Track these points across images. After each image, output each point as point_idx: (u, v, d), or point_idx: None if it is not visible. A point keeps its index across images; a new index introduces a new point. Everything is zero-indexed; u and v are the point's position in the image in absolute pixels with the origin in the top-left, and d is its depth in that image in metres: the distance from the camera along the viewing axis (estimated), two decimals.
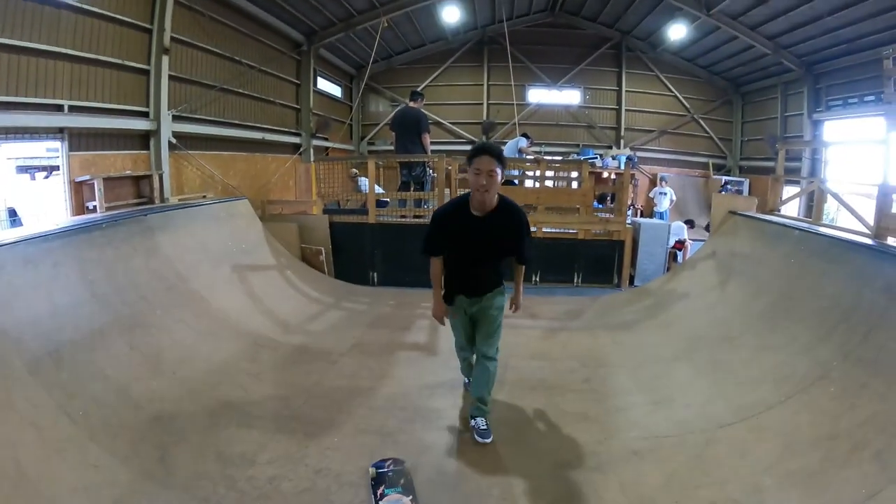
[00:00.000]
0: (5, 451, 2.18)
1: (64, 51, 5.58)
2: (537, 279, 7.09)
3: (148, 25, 6.84)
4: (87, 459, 2.42)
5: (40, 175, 9.81)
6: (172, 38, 7.18)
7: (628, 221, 7.36)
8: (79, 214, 5.62)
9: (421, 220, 7.10)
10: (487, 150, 2.57)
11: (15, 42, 5.04)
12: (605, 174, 13.57)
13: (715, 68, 14.32)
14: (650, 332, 4.93)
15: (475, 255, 2.77)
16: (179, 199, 7.02)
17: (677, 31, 12.17)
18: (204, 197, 7.63)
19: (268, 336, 4.57)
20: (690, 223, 9.63)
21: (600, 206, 9.08)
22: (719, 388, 3.43)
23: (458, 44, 14.86)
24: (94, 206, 5.67)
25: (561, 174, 9.19)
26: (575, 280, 7.09)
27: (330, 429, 3.04)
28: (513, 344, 4.21)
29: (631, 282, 7.07)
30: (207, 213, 6.12)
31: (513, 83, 12.35)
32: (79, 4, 5.69)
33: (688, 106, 14.88)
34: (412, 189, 7.64)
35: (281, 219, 7.39)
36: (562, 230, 7.42)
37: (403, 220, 7.31)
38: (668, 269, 7.21)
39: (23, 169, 10.44)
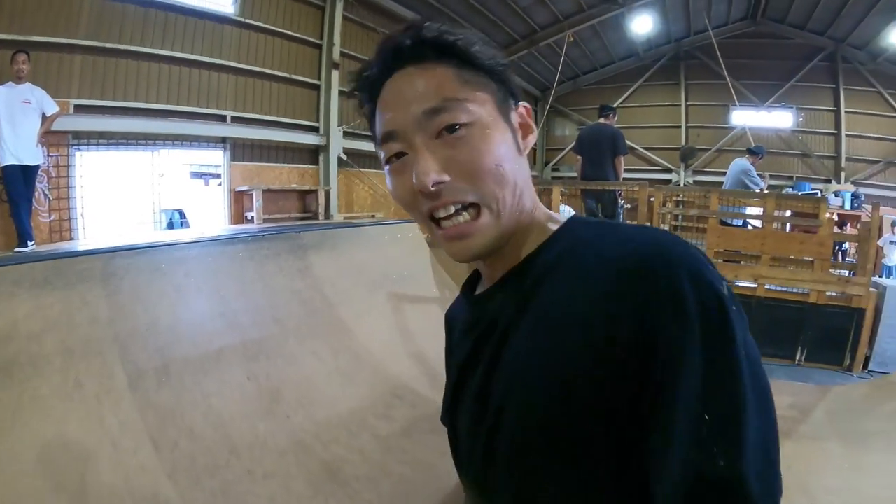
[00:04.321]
0: (77, 464, 2.26)
1: (227, 63, 6.58)
2: None
3: (317, 41, 7.77)
4: (155, 501, 2.32)
5: (214, 182, 11.71)
6: (344, 54, 7.95)
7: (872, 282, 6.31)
8: (237, 223, 6.38)
9: None
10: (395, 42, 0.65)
11: (176, 54, 6.13)
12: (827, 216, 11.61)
13: None
14: None
15: (470, 474, 0.73)
16: (346, 217, 7.44)
17: None
18: (373, 217, 7.98)
19: (410, 387, 4.22)
20: None
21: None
22: None
23: (651, 60, 14.83)
24: (252, 217, 6.21)
25: (779, 213, 7.70)
26: (797, 357, 6.21)
27: None
28: None
29: (865, 364, 6.16)
30: (371, 234, 6.29)
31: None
32: (242, 19, 6.72)
33: None
34: None
35: None
36: (787, 289, 6.40)
37: None
38: None
39: (197, 174, 12.70)
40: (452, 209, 0.62)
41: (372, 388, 3.97)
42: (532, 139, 0.68)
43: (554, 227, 0.68)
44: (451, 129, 0.60)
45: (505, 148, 0.63)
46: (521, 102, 0.69)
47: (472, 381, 0.69)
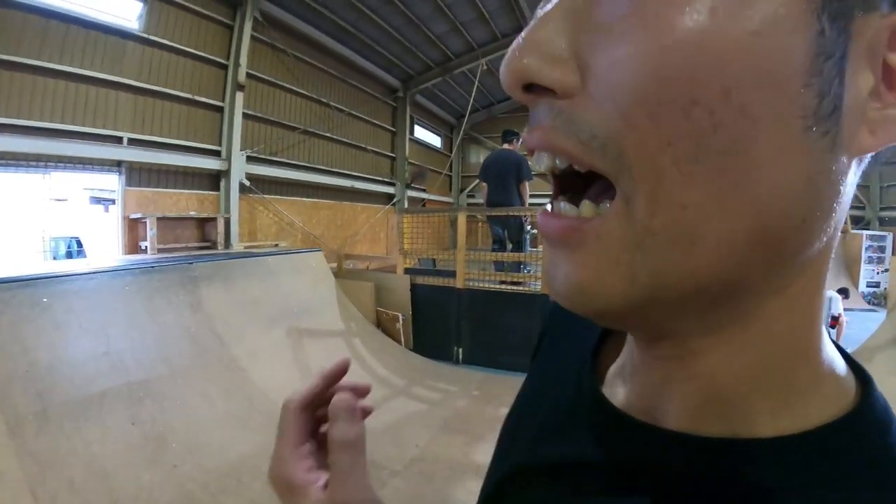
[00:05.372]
0: None
1: (127, 81, 6.44)
2: None
3: (224, 61, 7.77)
4: None
5: (114, 208, 11.25)
6: (251, 76, 8.07)
7: None
8: (132, 253, 6.20)
9: (519, 288, 6.75)
10: None
11: (74, 70, 5.92)
12: None
13: None
14: None
15: None
16: (246, 247, 7.40)
17: None
18: (276, 245, 7.99)
19: None
20: (844, 293, 8.71)
21: None
22: None
23: None
24: (147, 247, 6.07)
25: None
26: None
27: None
28: None
29: None
30: (271, 264, 6.24)
31: None
32: (146, 35, 6.63)
33: None
34: (509, 249, 7.35)
35: (357, 276, 7.47)
36: None
37: (498, 286, 6.97)
38: None
39: (96, 200, 12.13)
40: (555, 162, 0.29)
41: (266, 432, 4.01)
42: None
43: (841, 390, 0.30)
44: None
45: (763, 63, 0.23)
46: None
47: None
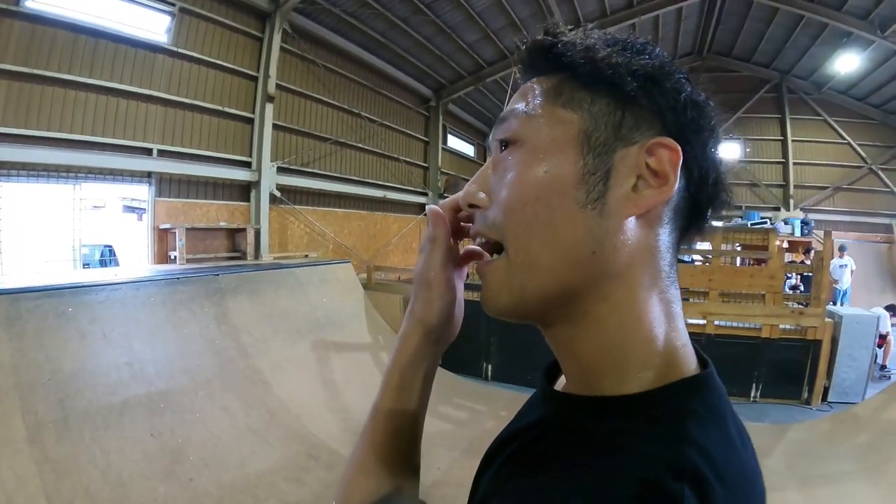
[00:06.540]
0: None
1: (157, 94, 6.71)
2: None
3: (253, 73, 8.01)
4: None
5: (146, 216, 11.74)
6: (281, 87, 8.28)
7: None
8: (161, 263, 6.44)
9: None
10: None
11: (103, 83, 6.20)
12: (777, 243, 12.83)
13: (890, 106, 14.48)
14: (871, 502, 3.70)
15: None
16: (276, 258, 7.53)
17: (847, 63, 12.52)
18: (306, 256, 8.11)
19: (328, 445, 4.31)
20: (892, 309, 8.45)
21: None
22: None
23: None
24: (175, 257, 6.27)
25: (730, 246, 8.20)
26: (752, 393, 6.50)
27: None
28: None
29: (824, 396, 6.38)
30: (299, 276, 6.33)
31: None
32: (174, 48, 6.90)
33: (863, 155, 15.00)
34: None
35: (386, 288, 7.50)
36: (739, 325, 6.68)
37: None
38: (870, 378, 6.57)
39: (129, 209, 12.61)
40: (478, 241, 0.58)
41: (285, 447, 4.07)
42: (654, 196, 0.48)
43: (677, 369, 0.48)
44: (502, 146, 0.55)
45: (551, 185, 0.49)
46: (665, 140, 0.48)
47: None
